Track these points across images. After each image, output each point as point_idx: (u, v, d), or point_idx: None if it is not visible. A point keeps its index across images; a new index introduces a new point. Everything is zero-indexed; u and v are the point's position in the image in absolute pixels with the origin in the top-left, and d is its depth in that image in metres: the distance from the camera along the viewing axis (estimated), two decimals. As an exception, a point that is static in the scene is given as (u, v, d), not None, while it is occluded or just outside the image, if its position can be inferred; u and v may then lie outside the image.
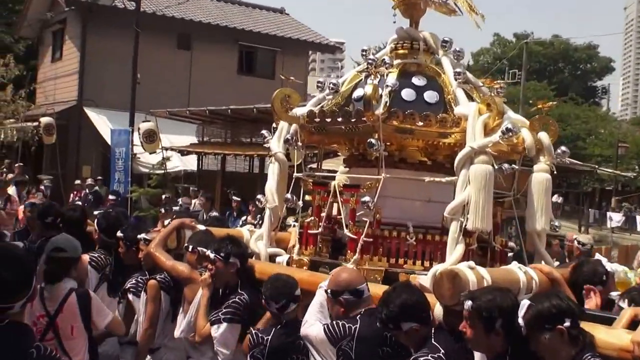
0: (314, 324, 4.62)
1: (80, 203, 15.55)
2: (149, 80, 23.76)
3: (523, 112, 24.97)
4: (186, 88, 26.55)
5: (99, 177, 20.76)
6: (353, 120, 5.37)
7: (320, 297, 4.76)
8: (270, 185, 6.11)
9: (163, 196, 16.98)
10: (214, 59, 27.39)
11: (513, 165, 5.32)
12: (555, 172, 5.46)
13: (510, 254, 5.79)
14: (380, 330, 4.33)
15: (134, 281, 5.97)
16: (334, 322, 4.50)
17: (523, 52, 38.97)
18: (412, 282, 4.59)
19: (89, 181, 20.28)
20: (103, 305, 5.47)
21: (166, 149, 20.45)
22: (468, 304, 3.85)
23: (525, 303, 3.74)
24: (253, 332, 4.84)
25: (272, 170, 6.17)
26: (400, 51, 6.03)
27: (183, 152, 21.99)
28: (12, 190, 15.62)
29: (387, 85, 5.37)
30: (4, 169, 24.56)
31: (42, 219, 7.38)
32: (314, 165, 6.60)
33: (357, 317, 4.46)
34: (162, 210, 11.77)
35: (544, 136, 5.46)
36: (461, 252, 4.90)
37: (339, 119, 5.47)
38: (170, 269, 5.68)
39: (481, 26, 5.93)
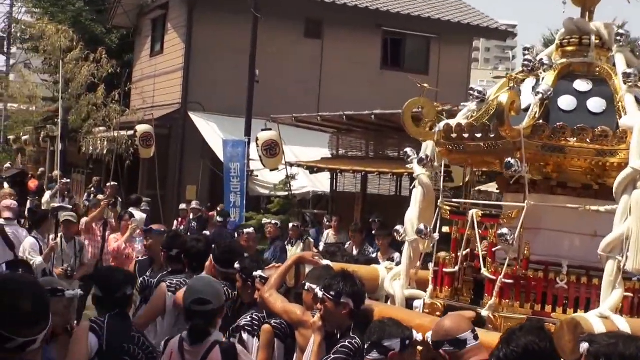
0: None
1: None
2: (270, 77, 24.63)
3: None
4: (316, 87, 27.33)
5: (221, 208, 20.59)
6: (492, 135, 5.73)
7: None
8: (411, 215, 6.64)
9: (290, 224, 17.32)
10: (351, 49, 27.92)
11: None
12: None
13: None
14: None
15: (249, 318, 6.72)
16: None
17: None
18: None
19: (194, 204, 20.86)
20: (250, 358, 6.12)
21: (291, 165, 21.12)
22: (584, 346, 4.08)
23: None
24: None
25: (415, 197, 6.70)
26: (568, 48, 6.39)
27: (312, 168, 22.15)
28: (139, 215, 16.65)
29: (539, 92, 5.77)
30: (92, 189, 25.91)
31: (167, 251, 8.71)
32: (482, 188, 6.95)
33: None
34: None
35: None
36: (619, 298, 5.20)
37: (478, 135, 5.85)
38: (282, 313, 6.35)
39: None
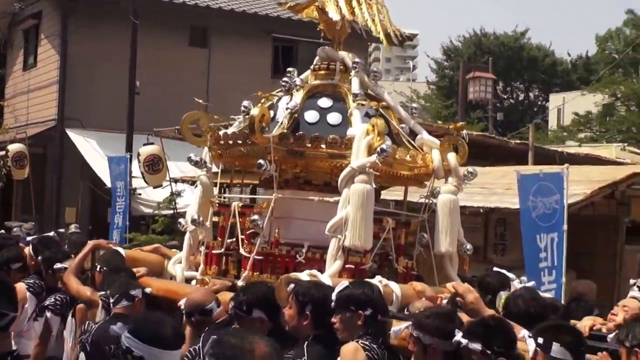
0: None
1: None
2: (153, 90, 24.37)
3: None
4: (203, 98, 26.38)
5: (75, 229, 19.89)
6: (249, 142, 7.56)
7: None
8: (191, 209, 8.42)
9: (171, 243, 16.88)
10: (240, 58, 27.74)
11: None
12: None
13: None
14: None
15: (52, 300, 8.39)
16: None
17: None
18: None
19: (73, 228, 20.31)
20: None
21: (175, 181, 20.73)
22: (291, 286, 6.11)
23: (344, 283, 6.01)
24: None
25: (195, 194, 8.53)
26: (320, 72, 8.29)
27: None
28: None
29: (288, 108, 7.69)
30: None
31: None
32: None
33: (202, 336, 6.27)
34: None
35: (451, 157, 7.68)
36: (338, 268, 7.02)
37: (239, 141, 7.69)
38: (75, 293, 7.95)
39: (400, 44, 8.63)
